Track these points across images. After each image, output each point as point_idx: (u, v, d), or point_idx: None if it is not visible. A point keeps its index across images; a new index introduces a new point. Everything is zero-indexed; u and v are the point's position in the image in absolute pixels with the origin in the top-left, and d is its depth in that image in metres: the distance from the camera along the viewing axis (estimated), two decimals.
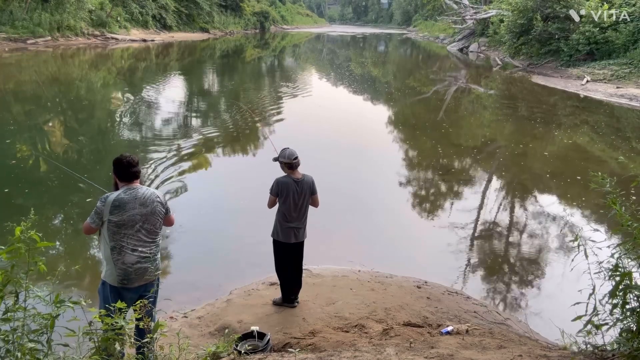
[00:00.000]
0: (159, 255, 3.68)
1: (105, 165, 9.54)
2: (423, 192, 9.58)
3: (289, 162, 4.67)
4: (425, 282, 5.76)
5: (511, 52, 29.99)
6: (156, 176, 9.14)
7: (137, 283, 3.51)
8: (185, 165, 10.04)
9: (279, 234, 4.80)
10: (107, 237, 3.46)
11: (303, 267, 5.07)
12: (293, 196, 4.69)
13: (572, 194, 9.12)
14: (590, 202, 8.44)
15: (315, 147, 11.80)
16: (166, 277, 5.67)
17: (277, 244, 4.87)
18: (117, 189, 3.62)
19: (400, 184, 9.78)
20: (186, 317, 4.83)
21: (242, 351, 3.79)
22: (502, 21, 31.97)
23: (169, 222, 3.82)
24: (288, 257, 4.88)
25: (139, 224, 3.49)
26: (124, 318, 2.71)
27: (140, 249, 3.50)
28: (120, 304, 2.76)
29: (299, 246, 4.91)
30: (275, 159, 4.79)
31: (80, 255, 6.15)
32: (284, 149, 4.75)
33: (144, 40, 36.25)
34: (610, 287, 2.80)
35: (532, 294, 5.86)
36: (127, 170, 3.57)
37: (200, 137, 12.45)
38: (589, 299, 2.88)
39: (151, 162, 10.24)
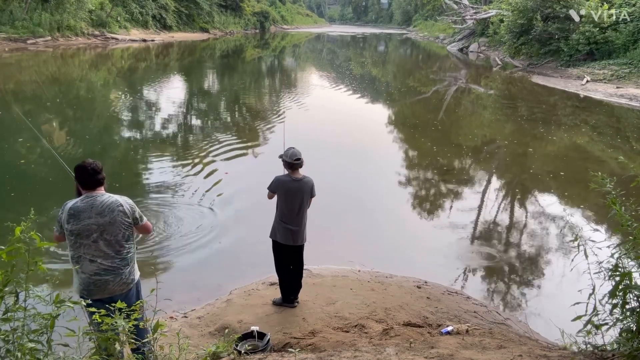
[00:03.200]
0: (128, 269, 3.42)
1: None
2: (423, 192, 9.58)
3: (290, 162, 4.68)
4: (425, 282, 5.76)
5: (511, 52, 29.98)
6: (155, 178, 9.14)
7: (98, 295, 3.29)
8: (184, 163, 10.03)
9: (276, 234, 4.81)
10: (69, 246, 3.33)
11: (304, 267, 5.06)
12: (288, 196, 4.70)
13: (572, 194, 9.12)
14: (590, 202, 8.44)
15: (315, 147, 11.80)
16: (166, 277, 5.67)
17: (274, 245, 4.87)
18: (79, 196, 3.42)
19: (400, 184, 9.78)
20: (186, 317, 4.83)
21: (242, 351, 3.79)
22: (502, 21, 31.96)
23: (143, 230, 3.59)
24: (287, 259, 4.88)
25: (96, 234, 3.28)
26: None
27: (99, 260, 3.30)
28: (120, 304, 2.76)
29: (298, 250, 4.88)
30: (281, 157, 4.80)
31: None
32: (289, 148, 4.75)
33: (144, 40, 36.24)
34: (610, 287, 2.80)
35: (532, 294, 5.86)
36: (91, 178, 3.35)
37: (200, 136, 12.45)
38: (588, 299, 2.88)
39: (149, 163, 10.24)
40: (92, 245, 3.28)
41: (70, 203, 3.34)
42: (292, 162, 4.66)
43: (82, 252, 3.28)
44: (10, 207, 7.35)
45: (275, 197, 4.81)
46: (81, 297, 3.28)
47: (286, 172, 4.78)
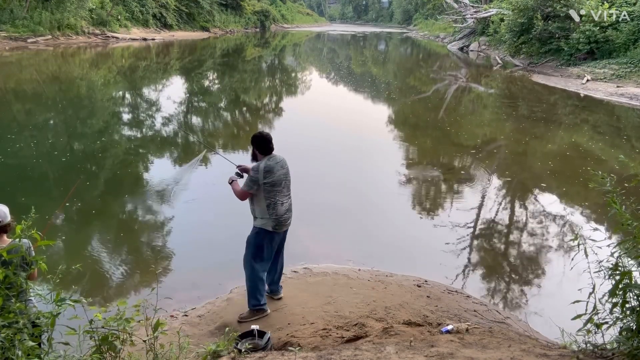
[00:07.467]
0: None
1: (106, 167, 9.55)
2: (423, 191, 9.58)
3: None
4: (425, 281, 5.76)
5: (511, 51, 29.95)
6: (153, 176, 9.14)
7: (284, 228, 4.64)
8: (184, 161, 10.03)
9: None
10: (262, 197, 4.45)
11: (304, 266, 5.07)
12: None
13: (572, 193, 9.12)
14: (591, 201, 8.44)
15: (315, 146, 11.81)
16: (167, 275, 5.68)
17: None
18: (255, 160, 4.50)
19: (400, 183, 9.77)
20: (187, 315, 4.84)
21: (243, 350, 3.79)
22: (502, 20, 31.92)
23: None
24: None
25: (283, 182, 4.46)
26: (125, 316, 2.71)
27: (286, 202, 4.54)
28: (116, 303, 2.76)
29: None
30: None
31: (81, 254, 6.15)
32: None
33: (145, 39, 36.23)
34: (610, 286, 2.80)
35: (532, 292, 5.86)
36: (269, 144, 4.46)
37: (199, 135, 12.45)
38: (588, 297, 2.88)
39: (150, 161, 10.25)
40: (282, 191, 4.46)
41: (261, 164, 4.39)
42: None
43: (277, 199, 4.43)
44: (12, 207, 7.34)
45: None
46: (273, 231, 4.53)
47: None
